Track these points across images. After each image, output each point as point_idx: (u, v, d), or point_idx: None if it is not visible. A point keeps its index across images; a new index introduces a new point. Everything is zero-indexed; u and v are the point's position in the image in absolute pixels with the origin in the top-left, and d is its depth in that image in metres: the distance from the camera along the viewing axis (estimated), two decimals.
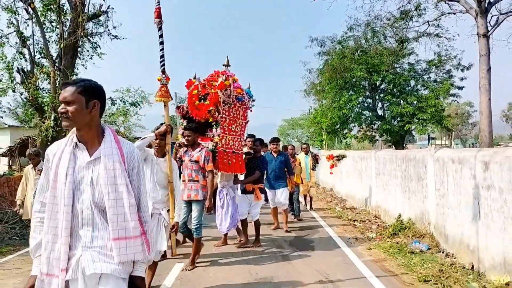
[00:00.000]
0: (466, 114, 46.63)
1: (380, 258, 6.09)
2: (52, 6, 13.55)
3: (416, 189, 7.40)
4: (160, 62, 4.89)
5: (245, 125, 6.81)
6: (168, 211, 4.84)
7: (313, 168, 10.45)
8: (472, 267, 5.52)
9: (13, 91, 13.48)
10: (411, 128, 20.34)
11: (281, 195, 8.21)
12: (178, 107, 6.71)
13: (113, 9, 13.97)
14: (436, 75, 21.53)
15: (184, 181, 5.79)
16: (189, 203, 5.81)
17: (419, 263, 5.64)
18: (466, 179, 5.72)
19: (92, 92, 2.17)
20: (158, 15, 4.78)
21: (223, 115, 6.25)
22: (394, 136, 21.19)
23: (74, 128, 2.17)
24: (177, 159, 5.83)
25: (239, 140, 6.62)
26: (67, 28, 13.49)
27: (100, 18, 13.86)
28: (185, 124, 6.38)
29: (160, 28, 4.81)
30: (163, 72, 4.90)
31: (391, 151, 9.87)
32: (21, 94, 13.69)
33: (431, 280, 4.97)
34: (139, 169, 2.25)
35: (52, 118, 12.57)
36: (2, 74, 13.22)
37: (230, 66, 6.66)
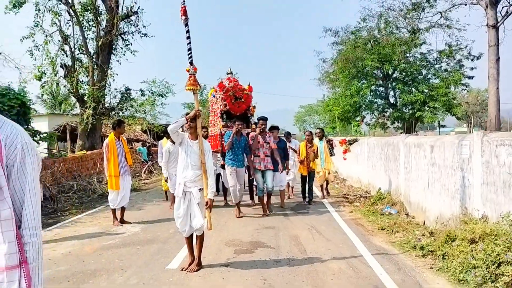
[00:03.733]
0: (486, 101, 47.80)
1: (357, 218, 8.61)
2: (89, 8, 16.15)
3: (393, 168, 9.81)
4: (188, 54, 5.52)
5: None
6: (200, 189, 5.37)
7: (331, 154, 10.92)
8: (424, 223, 7.93)
9: (57, 84, 16.27)
10: (422, 116, 22.37)
11: (280, 177, 9.77)
12: (225, 105, 10.11)
13: (142, 9, 16.56)
14: (447, 65, 23.41)
15: (259, 156, 8.97)
16: (263, 171, 9.00)
17: (383, 220, 8.09)
18: (421, 159, 8.12)
19: None
20: (184, 13, 5.44)
21: None
22: (405, 123, 23.33)
23: None
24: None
25: None
26: (102, 27, 16.14)
27: (131, 18, 16.47)
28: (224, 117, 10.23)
29: (186, 25, 5.45)
30: (191, 63, 5.53)
31: (378, 138, 12.26)
32: (64, 86, 16.48)
33: (386, 228, 7.43)
34: (24, 162, 1.56)
35: (92, 107, 15.28)
36: (46, 69, 15.89)
37: (232, 73, 10.31)
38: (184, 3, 5.45)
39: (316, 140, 10.74)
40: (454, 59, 22.87)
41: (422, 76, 23.12)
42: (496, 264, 4.67)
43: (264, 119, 9.26)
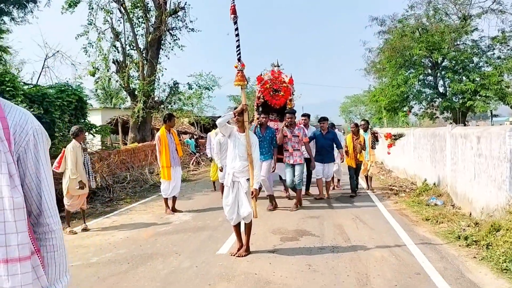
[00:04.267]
0: None
1: (401, 208, 8.73)
2: (139, 5, 16.83)
3: (439, 159, 9.80)
4: (237, 51, 5.77)
5: None
6: (248, 180, 5.74)
7: (373, 147, 10.93)
8: (470, 214, 7.95)
9: (109, 79, 17.13)
10: (473, 105, 21.68)
11: (328, 168, 10.03)
12: (258, 97, 10.14)
13: (189, 5, 17.08)
14: (500, 52, 22.51)
15: (287, 150, 8.84)
16: (293, 166, 8.84)
17: (428, 211, 8.16)
18: (468, 150, 8.11)
19: None
20: (233, 11, 5.71)
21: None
22: (455, 113, 22.71)
23: None
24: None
25: None
26: (151, 24, 16.81)
27: (179, 13, 17.04)
28: (259, 110, 9.93)
29: (235, 23, 5.74)
30: (239, 60, 5.81)
31: (424, 129, 12.19)
32: (116, 81, 17.34)
33: (430, 219, 7.53)
34: (37, 150, 1.52)
35: (142, 101, 16.01)
36: (100, 65, 16.74)
37: (279, 66, 10.30)
38: (233, 2, 5.71)
39: (361, 132, 10.79)
40: (508, 45, 21.96)
41: (473, 64, 22.34)
42: None
43: (292, 112, 9.13)
